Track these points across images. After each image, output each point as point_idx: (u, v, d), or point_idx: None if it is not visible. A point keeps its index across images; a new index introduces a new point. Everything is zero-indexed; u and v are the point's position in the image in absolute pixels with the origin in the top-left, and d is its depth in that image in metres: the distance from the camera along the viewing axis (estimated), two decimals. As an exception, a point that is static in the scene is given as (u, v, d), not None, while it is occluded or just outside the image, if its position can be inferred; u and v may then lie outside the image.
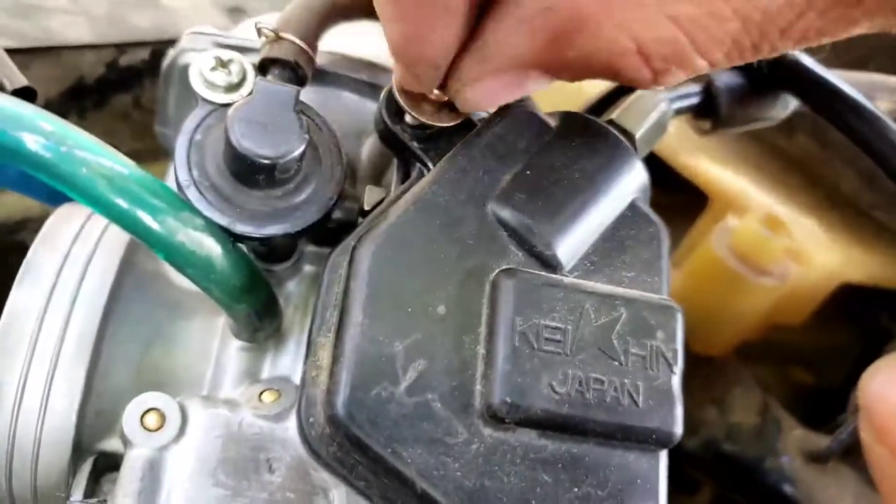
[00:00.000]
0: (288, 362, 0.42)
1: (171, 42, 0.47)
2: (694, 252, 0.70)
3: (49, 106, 0.73)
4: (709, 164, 0.71)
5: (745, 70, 0.44)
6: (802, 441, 0.68)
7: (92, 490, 0.43)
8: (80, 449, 0.41)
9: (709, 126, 0.46)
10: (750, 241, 0.66)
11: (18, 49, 0.63)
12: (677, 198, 0.70)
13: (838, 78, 0.43)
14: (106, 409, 0.41)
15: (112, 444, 0.42)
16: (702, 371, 0.70)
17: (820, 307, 0.70)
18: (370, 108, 0.38)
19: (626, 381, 0.34)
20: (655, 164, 0.40)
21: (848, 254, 0.69)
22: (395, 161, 0.40)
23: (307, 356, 0.34)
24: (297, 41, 0.37)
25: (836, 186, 0.70)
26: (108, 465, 0.42)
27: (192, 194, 0.35)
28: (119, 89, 0.74)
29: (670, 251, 0.39)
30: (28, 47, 0.64)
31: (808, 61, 0.43)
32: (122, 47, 0.73)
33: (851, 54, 0.64)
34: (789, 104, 0.46)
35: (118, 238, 0.43)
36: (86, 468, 0.42)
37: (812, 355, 0.80)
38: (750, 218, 0.66)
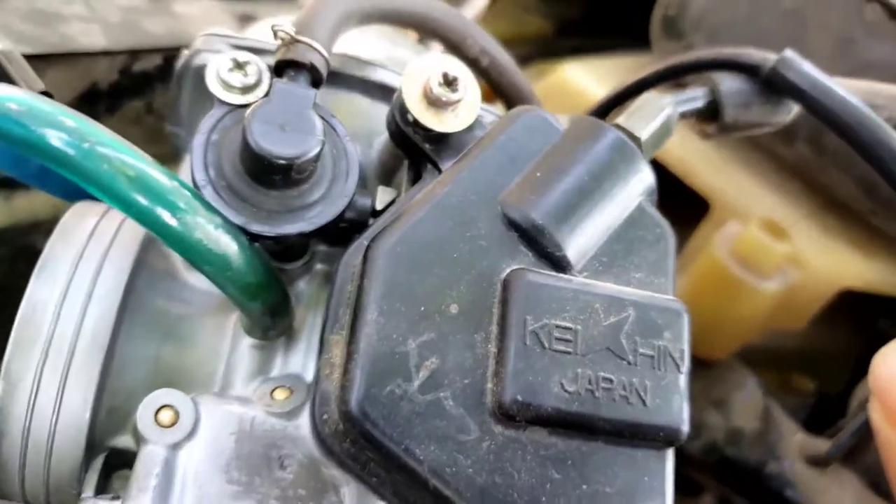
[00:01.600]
0: (299, 360, 0.42)
1: (184, 48, 0.47)
2: (696, 257, 0.70)
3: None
4: (710, 170, 0.71)
5: (749, 75, 0.45)
6: (803, 445, 0.68)
7: (103, 486, 0.43)
8: (92, 445, 0.41)
9: (713, 130, 0.46)
10: (751, 246, 0.66)
11: (36, 55, 0.64)
12: (678, 204, 0.70)
13: (839, 85, 0.44)
14: (118, 407, 0.41)
15: (123, 441, 0.42)
16: (703, 374, 0.71)
17: (820, 312, 0.71)
18: (380, 109, 0.39)
19: (634, 380, 0.34)
20: (657, 171, 0.40)
21: (847, 260, 0.69)
22: (405, 162, 0.41)
23: (320, 354, 0.34)
24: (314, 44, 0.37)
25: (834, 193, 0.71)
26: (119, 461, 0.42)
27: (208, 194, 0.35)
28: (131, 95, 0.74)
29: (676, 253, 0.40)
30: (45, 53, 0.65)
31: (810, 67, 0.44)
32: (135, 53, 0.73)
33: (852, 62, 0.65)
34: (791, 110, 0.47)
35: (132, 237, 0.43)
36: (97, 464, 0.42)
37: (813, 361, 0.80)
38: (751, 224, 0.67)
